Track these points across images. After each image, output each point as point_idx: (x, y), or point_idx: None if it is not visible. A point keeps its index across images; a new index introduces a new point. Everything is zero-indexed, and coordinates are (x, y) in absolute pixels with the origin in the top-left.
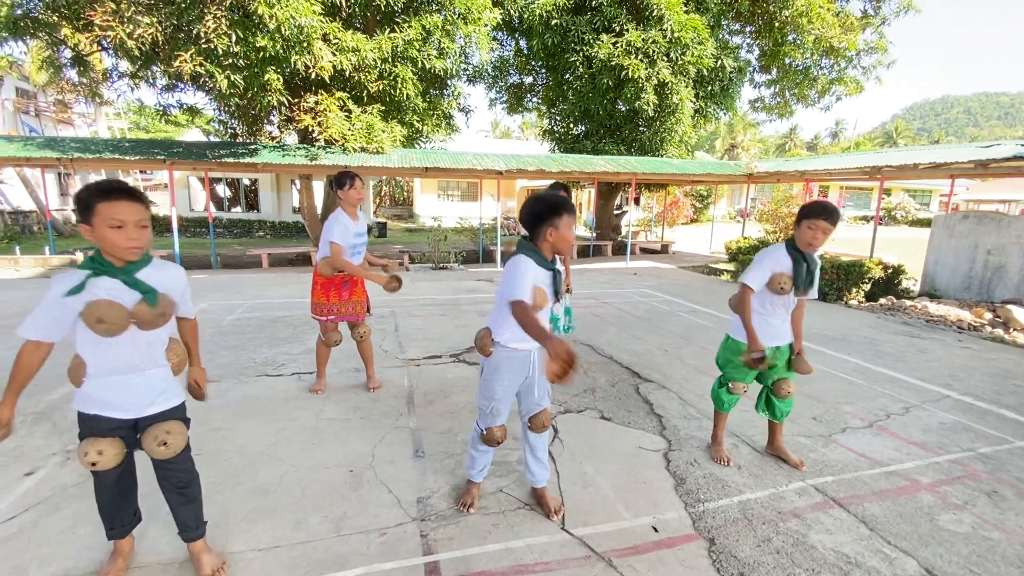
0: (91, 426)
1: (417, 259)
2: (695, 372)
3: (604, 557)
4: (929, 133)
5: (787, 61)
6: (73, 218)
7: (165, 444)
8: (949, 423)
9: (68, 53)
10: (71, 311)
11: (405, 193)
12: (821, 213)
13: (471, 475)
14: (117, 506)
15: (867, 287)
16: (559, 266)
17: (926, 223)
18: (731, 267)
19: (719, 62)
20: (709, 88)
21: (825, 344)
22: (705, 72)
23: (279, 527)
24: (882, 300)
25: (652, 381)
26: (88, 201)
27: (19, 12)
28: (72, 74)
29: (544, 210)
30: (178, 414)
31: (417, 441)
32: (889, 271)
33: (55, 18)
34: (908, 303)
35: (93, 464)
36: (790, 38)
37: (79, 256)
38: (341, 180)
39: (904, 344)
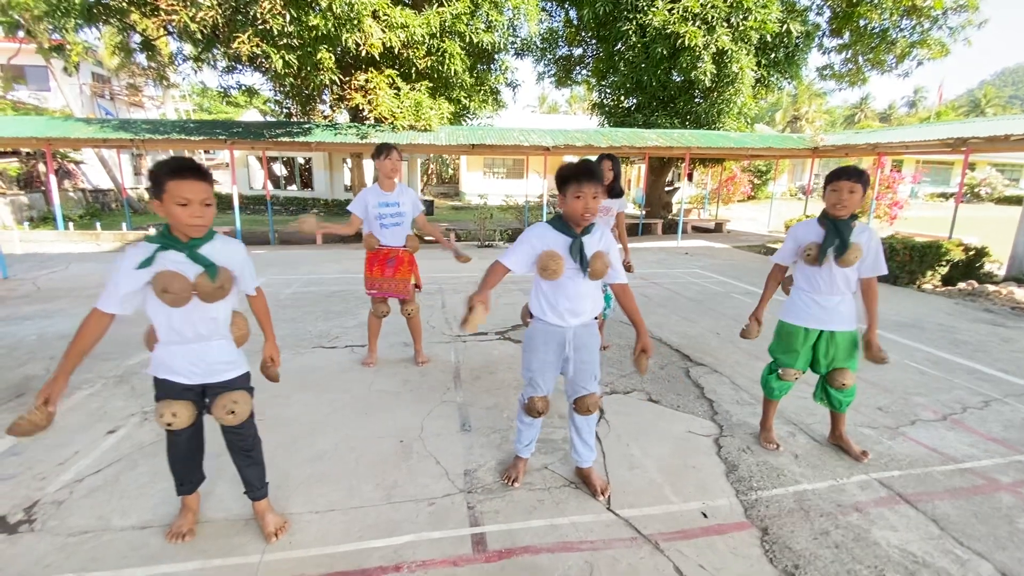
0: (164, 389)
1: (463, 237)
2: (749, 357)
3: (651, 540)
4: (1023, 101)
5: (862, 23)
6: (146, 196)
7: (232, 413)
8: None
9: (137, 38)
10: (142, 282)
11: (451, 171)
12: (841, 174)
13: (518, 450)
14: (186, 465)
15: (944, 270)
16: (598, 235)
17: (1016, 201)
18: None
19: (784, 27)
20: (772, 55)
21: (895, 331)
22: (768, 38)
23: (334, 492)
24: (961, 285)
25: (703, 365)
26: (159, 178)
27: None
28: (141, 58)
29: (557, 180)
30: (243, 384)
31: (464, 415)
32: (970, 253)
33: (125, 4)
34: (991, 288)
35: (169, 424)
36: None
37: (152, 231)
38: (377, 151)
39: (986, 333)
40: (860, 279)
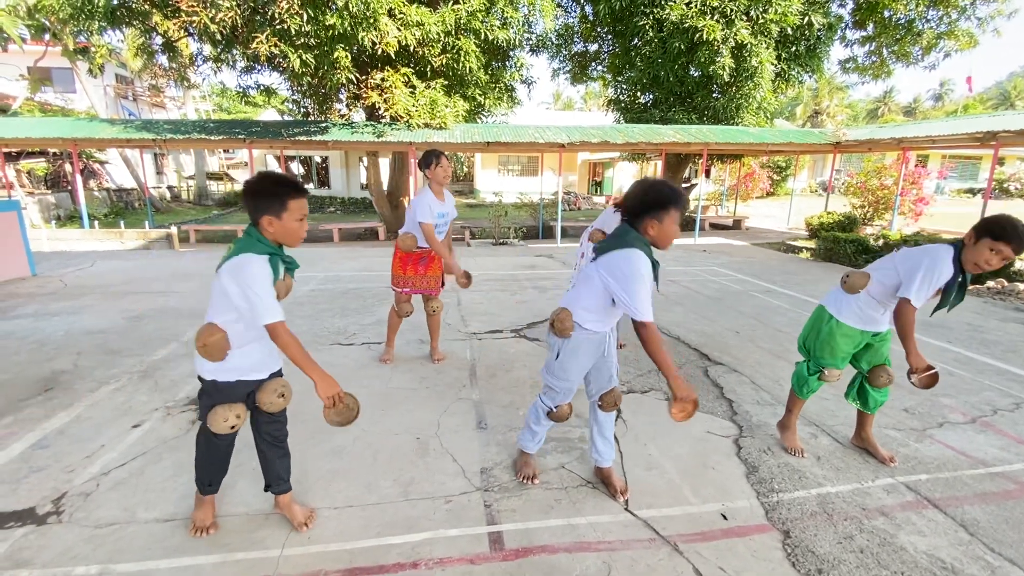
0: (228, 393)
1: (478, 234)
2: (770, 356)
3: (670, 541)
4: None
5: (887, 14)
6: (168, 195)
7: (283, 396)
8: None
9: (159, 40)
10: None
11: (466, 168)
12: (1013, 241)
13: (527, 447)
14: (221, 468)
15: None
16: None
17: None
18: (811, 244)
19: (806, 19)
20: (793, 49)
21: (921, 330)
22: (789, 31)
23: (353, 488)
24: (989, 283)
25: (722, 364)
26: (281, 195)
27: (116, 2)
28: (163, 59)
29: (653, 200)
30: (280, 375)
31: (480, 413)
32: None
33: (147, 6)
34: (1022, 287)
35: (232, 428)
36: None
37: (174, 230)
38: (427, 159)
39: (1016, 332)
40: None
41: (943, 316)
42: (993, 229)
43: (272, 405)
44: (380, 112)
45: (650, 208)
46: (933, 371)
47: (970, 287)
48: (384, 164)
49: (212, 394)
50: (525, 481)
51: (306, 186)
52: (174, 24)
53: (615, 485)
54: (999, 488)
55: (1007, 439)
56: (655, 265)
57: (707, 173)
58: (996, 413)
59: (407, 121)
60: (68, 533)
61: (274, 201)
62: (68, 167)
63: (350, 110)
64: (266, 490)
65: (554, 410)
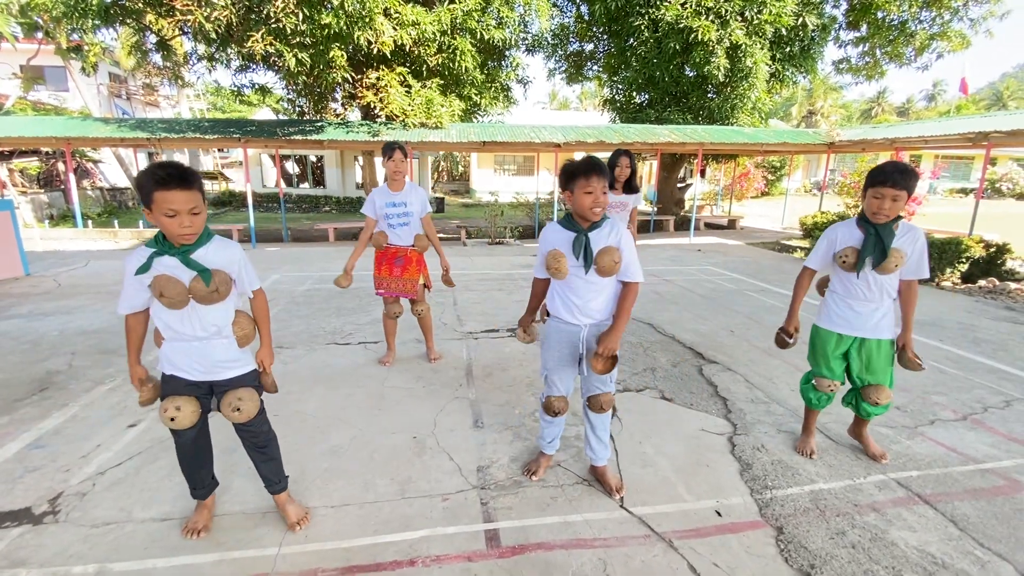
0: (170, 385)
1: (474, 234)
2: (763, 355)
3: (664, 538)
4: None
5: (880, 15)
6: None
7: (238, 410)
8: None
9: (153, 38)
10: (144, 285)
11: (462, 168)
12: (886, 179)
13: (541, 446)
14: (196, 467)
15: (964, 267)
16: (607, 230)
17: None
18: (805, 244)
19: (800, 20)
20: (787, 49)
21: (915, 330)
22: (783, 32)
23: (350, 487)
24: (981, 282)
25: (716, 362)
26: (146, 188)
27: (109, 0)
28: (157, 58)
29: (563, 177)
30: (249, 381)
31: (476, 412)
32: (991, 250)
33: (141, 5)
34: (1013, 286)
35: (172, 419)
36: None
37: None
38: (383, 152)
39: (1007, 331)
40: (900, 280)
41: (938, 314)
42: (869, 175)
43: (231, 418)
44: (375, 111)
45: (563, 185)
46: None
47: (961, 285)
48: (379, 164)
49: (163, 386)
50: (527, 475)
51: (301, 185)
52: (168, 23)
53: (609, 483)
54: (989, 484)
55: (997, 436)
56: (581, 236)
57: (702, 173)
58: (987, 411)
59: (403, 120)
60: (65, 533)
61: (143, 193)
62: (61, 166)
63: (345, 109)
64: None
65: (543, 401)
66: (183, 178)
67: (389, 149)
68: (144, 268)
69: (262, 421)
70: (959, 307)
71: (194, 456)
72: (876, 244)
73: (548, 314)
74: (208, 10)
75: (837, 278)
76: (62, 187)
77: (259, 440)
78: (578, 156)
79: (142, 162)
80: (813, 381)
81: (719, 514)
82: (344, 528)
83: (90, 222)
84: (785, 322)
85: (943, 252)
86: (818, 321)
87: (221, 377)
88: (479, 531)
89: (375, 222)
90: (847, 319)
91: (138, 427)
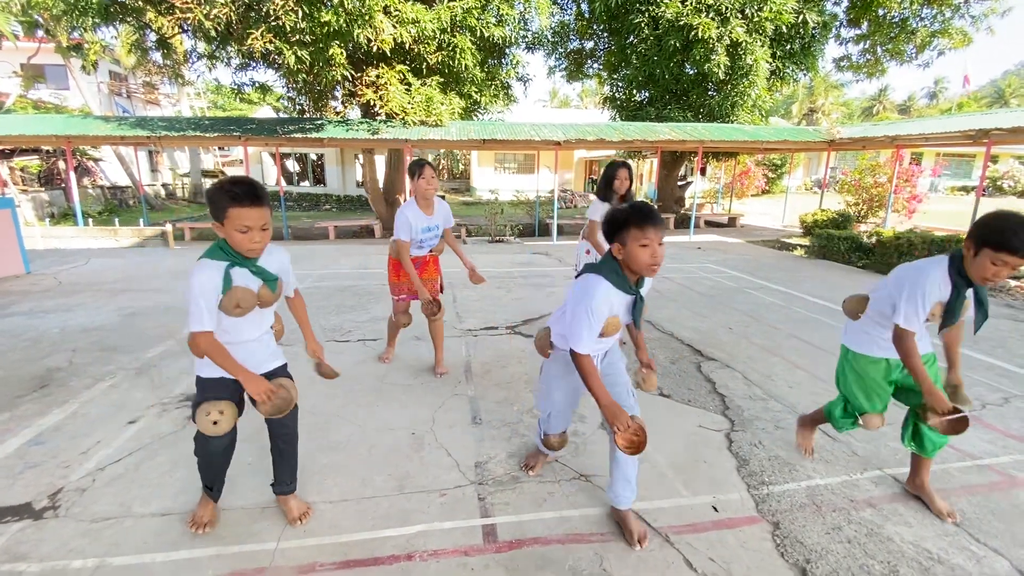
0: (213, 389)
1: (474, 232)
2: (762, 352)
3: (661, 533)
4: None
5: (880, 12)
6: (163, 193)
7: (282, 387)
8: None
9: (153, 37)
10: (216, 298)
11: (462, 166)
12: (1019, 250)
13: (539, 443)
14: (219, 471)
15: None
16: (648, 282)
17: None
18: (805, 242)
19: (800, 17)
20: (788, 47)
21: None
22: (784, 29)
23: (348, 482)
24: None
25: (715, 360)
26: (221, 204)
27: None
28: (157, 56)
29: (610, 222)
30: (284, 373)
31: (475, 408)
32: None
33: (141, 3)
34: (1012, 283)
35: (215, 423)
36: None
37: (169, 228)
38: (411, 170)
39: (1007, 328)
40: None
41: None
42: (991, 239)
43: (264, 411)
44: (375, 109)
45: (610, 235)
46: (959, 415)
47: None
48: (380, 161)
49: (201, 391)
50: (524, 470)
51: (302, 183)
52: (168, 21)
53: (632, 530)
54: (986, 480)
55: (995, 432)
56: (637, 299)
57: (703, 171)
58: (985, 407)
59: (403, 118)
60: (65, 528)
61: (216, 208)
62: (62, 164)
63: (345, 107)
64: (272, 486)
65: (543, 437)
66: (256, 196)
67: (418, 166)
68: (228, 283)
69: (295, 418)
70: None
71: (223, 462)
72: (979, 308)
73: (552, 347)
74: (208, 8)
75: (884, 313)
76: (63, 185)
77: (290, 436)
78: (578, 155)
79: (143, 160)
80: (860, 421)
81: (716, 509)
82: (342, 523)
83: (91, 220)
84: (936, 401)
85: (943, 250)
86: (858, 348)
87: (266, 369)
88: (476, 526)
89: (409, 245)
90: (877, 343)
91: (138, 424)
